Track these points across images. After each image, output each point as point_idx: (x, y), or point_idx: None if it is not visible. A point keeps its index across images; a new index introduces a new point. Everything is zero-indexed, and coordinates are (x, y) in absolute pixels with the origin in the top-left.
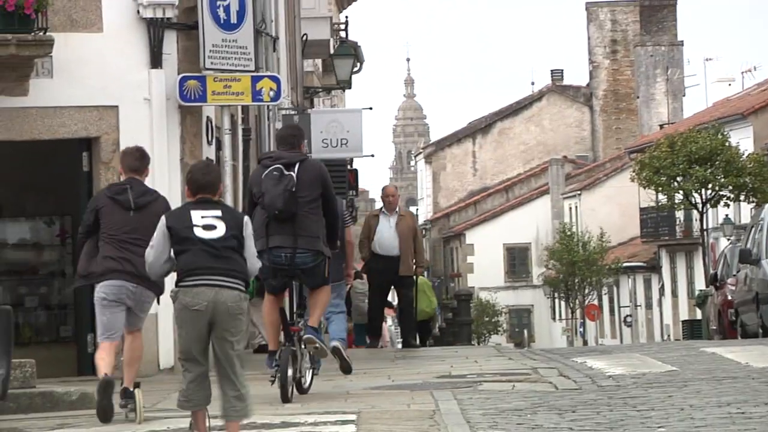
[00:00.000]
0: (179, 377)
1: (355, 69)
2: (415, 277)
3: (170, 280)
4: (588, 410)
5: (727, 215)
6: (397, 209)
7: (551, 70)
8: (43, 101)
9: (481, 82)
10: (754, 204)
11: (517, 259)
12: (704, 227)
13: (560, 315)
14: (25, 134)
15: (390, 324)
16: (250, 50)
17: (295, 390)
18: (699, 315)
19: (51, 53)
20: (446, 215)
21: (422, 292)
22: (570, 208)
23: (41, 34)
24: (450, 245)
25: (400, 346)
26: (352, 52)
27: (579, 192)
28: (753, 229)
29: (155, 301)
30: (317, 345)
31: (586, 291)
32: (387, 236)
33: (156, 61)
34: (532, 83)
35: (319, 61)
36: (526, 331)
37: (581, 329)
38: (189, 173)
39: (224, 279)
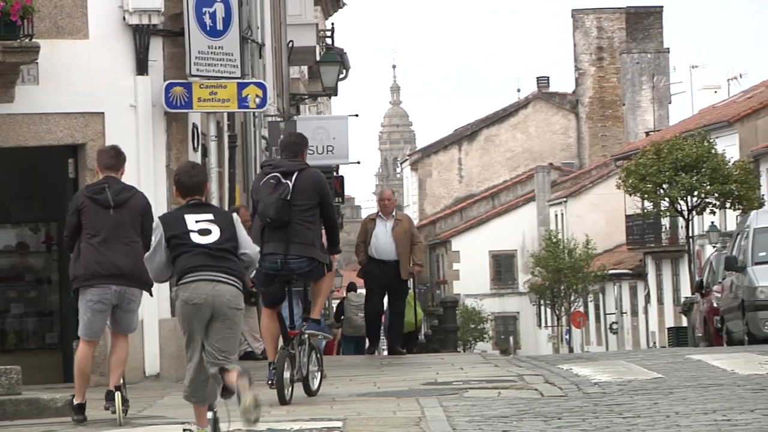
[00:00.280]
0: (165, 384)
1: (341, 76)
2: (413, 276)
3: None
4: (574, 417)
5: (712, 222)
6: (394, 213)
7: (537, 77)
8: (29, 108)
9: (467, 89)
10: (739, 211)
11: (502, 266)
12: (690, 234)
13: (546, 322)
14: (10, 141)
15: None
16: (236, 57)
17: (303, 393)
18: (685, 322)
19: (37, 60)
20: (432, 222)
21: (407, 304)
22: (556, 215)
23: (27, 40)
24: (436, 252)
25: (385, 353)
26: (338, 59)
27: (565, 199)
28: (739, 237)
29: (148, 294)
30: (319, 336)
31: (572, 298)
32: (384, 241)
33: (142, 67)
34: (518, 90)
35: (305, 68)
36: (511, 338)
37: (567, 336)
38: (176, 176)
39: (221, 275)
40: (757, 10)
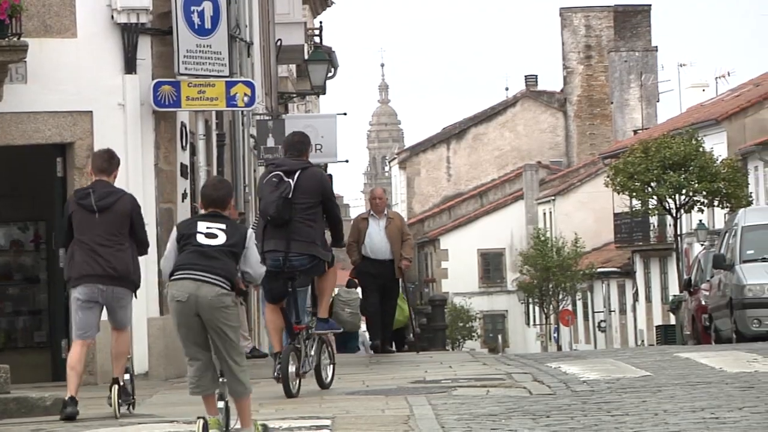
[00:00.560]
0: (154, 382)
1: (330, 74)
2: (402, 272)
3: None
4: (562, 415)
5: (700, 221)
6: (386, 212)
7: (525, 76)
8: (17, 107)
9: (455, 88)
10: (727, 209)
11: (491, 265)
12: (678, 233)
13: (534, 320)
14: None
15: (363, 330)
16: (224, 55)
17: (317, 386)
18: (673, 320)
19: (25, 59)
20: (420, 221)
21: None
22: (544, 214)
23: (15, 39)
24: (424, 251)
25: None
26: (326, 57)
27: (553, 197)
28: (727, 235)
29: (132, 296)
30: (329, 333)
31: (560, 296)
32: (378, 240)
33: (130, 66)
34: (507, 89)
35: (293, 67)
36: (500, 337)
37: (555, 334)
38: (203, 188)
39: (205, 275)
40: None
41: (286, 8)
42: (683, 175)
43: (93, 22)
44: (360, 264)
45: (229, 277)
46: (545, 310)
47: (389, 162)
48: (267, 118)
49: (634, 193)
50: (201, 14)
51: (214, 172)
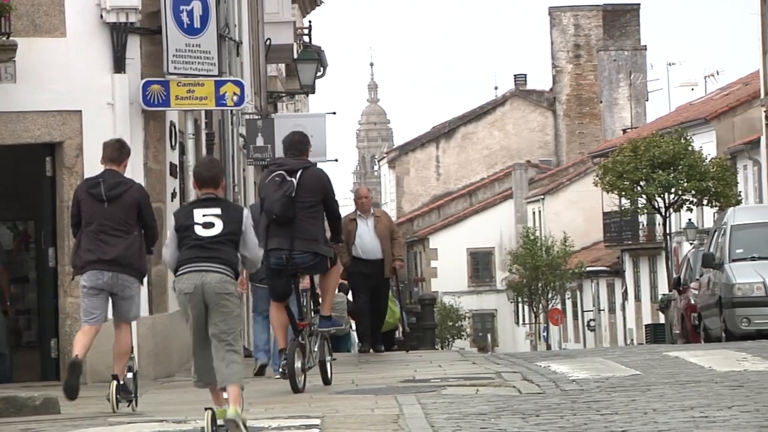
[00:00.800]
0: (143, 382)
1: (319, 74)
2: (394, 272)
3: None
4: (552, 414)
5: (690, 219)
6: (372, 211)
7: (514, 75)
8: (6, 106)
9: (444, 87)
10: (717, 208)
11: (480, 264)
12: (667, 231)
13: (524, 319)
14: None
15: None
16: (213, 55)
17: (321, 382)
18: (662, 319)
19: (14, 58)
20: (410, 220)
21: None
22: (533, 213)
23: (4, 38)
24: (413, 250)
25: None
26: (315, 56)
27: (542, 196)
28: (716, 234)
29: (139, 286)
30: (332, 330)
31: (550, 295)
32: (368, 240)
33: (119, 65)
34: (496, 88)
35: (282, 66)
36: (489, 336)
37: (545, 333)
38: (195, 168)
39: (209, 265)
40: (734, 8)
41: (275, 7)
42: (672, 174)
43: (82, 22)
44: (351, 265)
45: (232, 265)
46: (534, 309)
47: (378, 161)
48: (256, 117)
49: (623, 192)
50: (190, 14)
51: None
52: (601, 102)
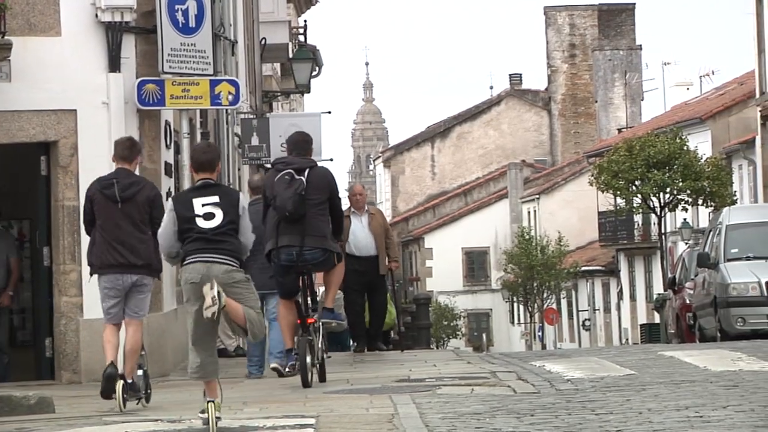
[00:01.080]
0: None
1: (314, 73)
2: (390, 272)
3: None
4: (546, 414)
5: (685, 219)
6: (367, 208)
7: (510, 74)
8: (1, 105)
9: (439, 87)
10: (712, 208)
11: (475, 263)
12: (662, 231)
13: (519, 319)
14: None
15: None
16: (208, 54)
17: (317, 379)
18: (657, 319)
19: (9, 57)
20: (405, 219)
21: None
22: (529, 212)
23: None
24: (409, 249)
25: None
26: (310, 56)
27: (537, 196)
28: (711, 233)
29: (152, 282)
30: (333, 324)
31: (545, 295)
32: (362, 237)
33: (114, 64)
34: (491, 87)
35: (277, 65)
36: (484, 335)
37: (540, 333)
38: (191, 152)
39: (214, 256)
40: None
41: (270, 7)
42: (667, 174)
43: (77, 21)
44: (345, 263)
45: (236, 255)
46: (530, 308)
47: (374, 160)
48: (251, 116)
49: (619, 192)
50: (185, 13)
51: None
52: (596, 101)
